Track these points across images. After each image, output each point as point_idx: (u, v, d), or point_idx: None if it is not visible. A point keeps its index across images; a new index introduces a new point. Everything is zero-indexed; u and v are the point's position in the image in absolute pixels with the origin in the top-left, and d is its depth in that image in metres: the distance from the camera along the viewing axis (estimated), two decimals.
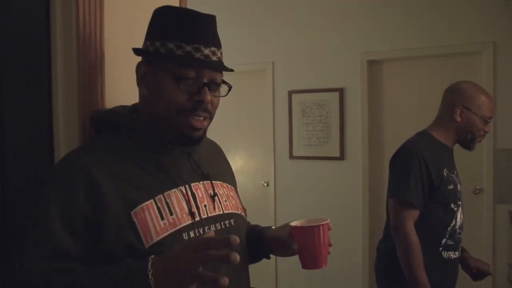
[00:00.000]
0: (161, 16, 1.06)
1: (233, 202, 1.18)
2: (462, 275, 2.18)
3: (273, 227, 1.26)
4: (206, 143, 1.21)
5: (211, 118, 1.08)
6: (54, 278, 0.90)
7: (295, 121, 4.46)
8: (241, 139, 4.80)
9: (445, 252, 2.01)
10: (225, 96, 1.10)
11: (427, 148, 2.02)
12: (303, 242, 1.09)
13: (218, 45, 1.06)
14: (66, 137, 1.17)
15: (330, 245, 1.12)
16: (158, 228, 0.97)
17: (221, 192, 1.15)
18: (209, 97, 1.02)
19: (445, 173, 2.01)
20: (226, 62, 1.10)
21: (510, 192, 3.65)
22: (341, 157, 4.26)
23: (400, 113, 4.09)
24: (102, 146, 1.06)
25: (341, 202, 4.27)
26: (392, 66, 4.13)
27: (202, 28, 1.03)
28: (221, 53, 1.07)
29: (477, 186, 3.80)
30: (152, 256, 0.86)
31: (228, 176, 1.26)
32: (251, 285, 1.26)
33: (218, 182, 1.16)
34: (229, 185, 1.21)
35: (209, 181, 1.12)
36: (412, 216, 1.95)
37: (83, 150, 1.06)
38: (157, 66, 1.03)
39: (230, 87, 1.10)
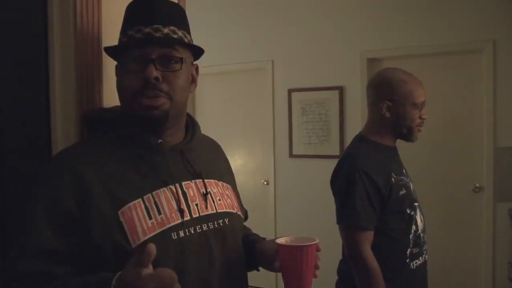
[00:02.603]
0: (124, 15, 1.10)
1: (228, 201, 1.15)
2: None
3: (266, 239, 1.24)
4: (201, 140, 1.20)
5: (171, 98, 1.03)
6: (31, 283, 0.90)
7: (294, 119, 4.45)
8: (240, 138, 4.79)
9: (412, 262, 1.82)
10: (179, 70, 1.04)
11: (367, 157, 1.81)
12: (287, 261, 1.05)
13: (164, 22, 1.03)
14: (63, 136, 1.17)
15: (317, 267, 1.07)
16: (145, 227, 0.96)
17: (214, 190, 1.12)
18: (153, 73, 1.00)
19: (393, 179, 1.81)
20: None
21: (510, 191, 3.64)
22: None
23: None
24: (92, 145, 1.06)
25: None
26: (392, 65, 4.06)
27: (143, 10, 1.04)
28: (172, 31, 1.04)
29: (477, 185, 3.79)
30: (119, 275, 0.84)
31: (224, 175, 1.23)
32: (252, 284, 1.25)
33: (212, 180, 1.14)
34: (224, 184, 1.19)
35: (201, 180, 1.10)
36: (366, 239, 1.75)
37: (72, 149, 1.06)
38: (118, 62, 1.09)
39: (182, 61, 1.04)
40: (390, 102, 1.81)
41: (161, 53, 1.02)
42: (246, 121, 4.79)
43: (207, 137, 1.28)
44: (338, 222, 1.83)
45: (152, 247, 0.80)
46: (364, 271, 1.74)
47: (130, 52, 1.02)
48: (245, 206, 1.30)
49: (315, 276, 1.07)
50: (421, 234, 1.86)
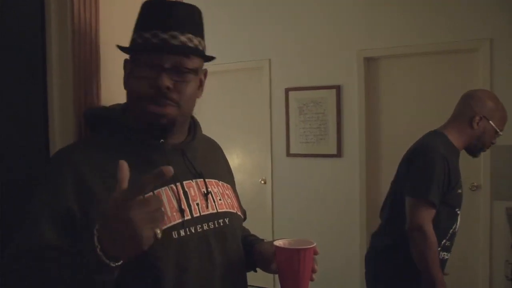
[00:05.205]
0: (140, 10, 1.08)
1: (229, 201, 1.15)
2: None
3: (264, 240, 1.24)
4: (202, 140, 1.19)
5: (180, 106, 1.03)
6: (23, 263, 0.88)
7: (292, 118, 4.45)
8: (238, 137, 4.79)
9: (442, 253, 2.02)
10: (191, 81, 1.05)
11: (446, 148, 2.02)
12: (285, 263, 1.05)
13: (181, 29, 1.01)
14: (61, 134, 1.17)
15: (314, 271, 1.07)
16: None
17: (215, 190, 1.12)
18: (165, 83, 0.98)
19: (460, 176, 2.04)
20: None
21: (507, 189, 3.66)
22: (338, 154, 4.25)
23: (396, 110, 4.09)
24: (93, 144, 1.05)
25: (338, 199, 4.27)
26: (388, 63, 4.12)
27: (162, 14, 1.01)
28: (188, 38, 1.02)
29: (475, 183, 3.81)
30: (96, 228, 0.81)
31: (225, 175, 1.23)
32: (250, 284, 1.24)
33: (212, 180, 1.13)
34: (225, 184, 1.19)
35: (202, 179, 1.09)
36: (430, 215, 1.94)
37: (74, 148, 1.05)
38: (130, 60, 1.06)
39: (205, 72, 1.09)
40: (484, 119, 2.07)
41: (174, 62, 1.00)
42: (243, 120, 4.79)
43: (207, 137, 1.28)
44: (412, 194, 1.98)
45: (124, 164, 0.79)
46: (424, 242, 1.91)
47: (143, 55, 1.00)
48: (242, 205, 1.30)
49: (312, 279, 1.08)
50: (456, 233, 2.07)
